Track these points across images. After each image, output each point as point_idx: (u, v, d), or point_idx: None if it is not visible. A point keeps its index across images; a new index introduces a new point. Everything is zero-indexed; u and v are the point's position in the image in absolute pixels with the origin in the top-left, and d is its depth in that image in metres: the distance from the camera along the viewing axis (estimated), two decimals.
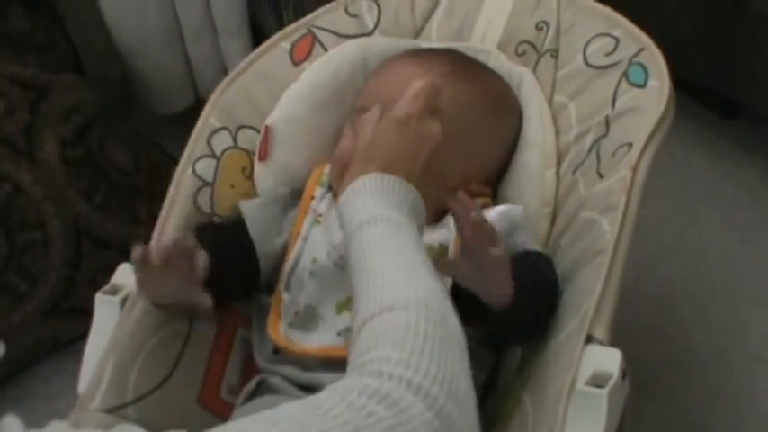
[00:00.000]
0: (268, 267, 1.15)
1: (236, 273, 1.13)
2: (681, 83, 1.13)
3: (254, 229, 1.15)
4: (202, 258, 1.04)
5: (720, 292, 1.52)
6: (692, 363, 1.44)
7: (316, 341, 1.10)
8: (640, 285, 1.51)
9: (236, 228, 1.16)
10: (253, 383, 1.12)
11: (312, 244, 1.12)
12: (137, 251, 1.00)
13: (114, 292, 1.13)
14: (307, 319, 1.11)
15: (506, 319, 1.01)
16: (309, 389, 1.07)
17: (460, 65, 1.17)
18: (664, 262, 1.56)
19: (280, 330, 1.11)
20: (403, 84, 1.09)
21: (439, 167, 0.99)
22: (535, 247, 1.09)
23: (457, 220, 0.97)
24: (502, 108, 1.18)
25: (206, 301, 1.04)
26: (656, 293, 1.52)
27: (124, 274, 1.14)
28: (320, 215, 1.14)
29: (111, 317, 1.11)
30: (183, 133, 1.21)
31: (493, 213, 1.08)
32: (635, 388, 1.03)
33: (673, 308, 1.51)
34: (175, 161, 1.20)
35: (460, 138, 1.10)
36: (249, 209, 1.17)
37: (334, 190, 1.15)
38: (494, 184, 1.19)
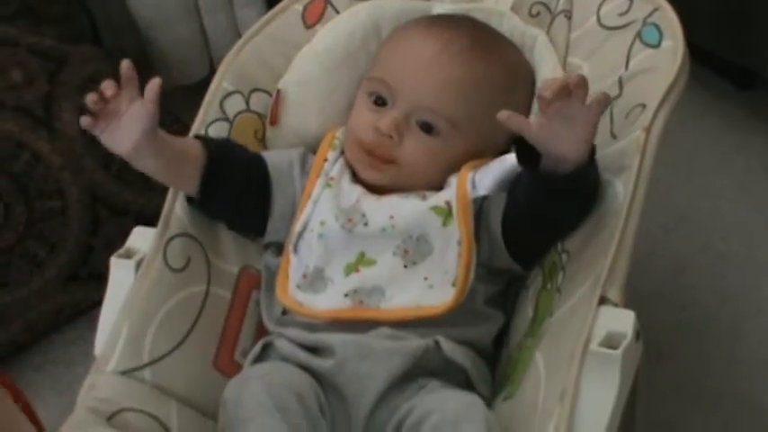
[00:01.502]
0: (280, 206, 1.16)
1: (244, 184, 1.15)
2: (695, 51, 1.13)
3: (271, 164, 1.17)
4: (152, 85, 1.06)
5: (734, 261, 1.52)
6: (706, 330, 1.45)
7: (324, 303, 1.10)
8: (653, 255, 1.51)
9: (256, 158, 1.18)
10: (258, 347, 1.13)
11: (322, 207, 1.13)
12: (91, 96, 1.04)
13: (129, 255, 1.14)
14: (315, 280, 1.11)
15: (567, 181, 1.01)
16: (315, 350, 1.09)
17: (476, 37, 1.16)
18: (677, 231, 1.56)
19: (288, 292, 1.12)
20: (419, 58, 1.13)
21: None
22: None
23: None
24: (516, 78, 1.18)
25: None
26: (669, 263, 1.52)
27: (139, 238, 1.15)
28: (332, 178, 1.15)
29: (126, 280, 1.12)
30: (200, 104, 1.22)
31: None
32: (648, 355, 1.03)
33: (686, 277, 1.51)
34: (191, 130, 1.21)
35: (476, 111, 1.12)
36: (269, 153, 1.20)
37: (347, 159, 1.17)
38: (507, 151, 1.20)
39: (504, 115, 1.00)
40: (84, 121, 1.05)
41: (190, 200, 1.15)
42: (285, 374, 1.05)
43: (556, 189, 1.03)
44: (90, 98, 1.04)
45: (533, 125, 1.00)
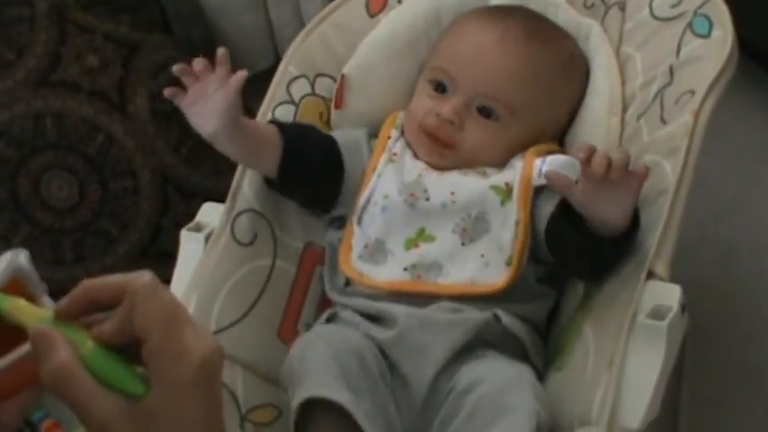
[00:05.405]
0: (350, 181, 1.19)
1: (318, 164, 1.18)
2: (746, 47, 1.12)
3: (342, 143, 1.20)
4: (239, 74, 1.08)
5: None
6: (752, 316, 1.45)
7: (384, 275, 1.14)
8: (703, 243, 1.52)
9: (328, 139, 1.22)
10: (324, 317, 1.16)
11: (385, 181, 1.16)
12: (178, 66, 1.07)
13: (198, 229, 1.18)
14: (376, 252, 1.15)
15: (608, 247, 1.04)
16: (378, 319, 1.12)
17: (533, 28, 1.19)
18: (726, 221, 1.56)
19: (350, 262, 1.16)
20: (478, 47, 1.16)
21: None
22: None
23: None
24: (571, 67, 1.21)
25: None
26: (717, 251, 1.53)
27: (208, 213, 1.20)
28: (395, 154, 1.18)
29: (196, 253, 1.16)
30: (264, 92, 1.25)
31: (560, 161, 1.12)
32: (695, 336, 1.05)
33: (734, 265, 1.51)
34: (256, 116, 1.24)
35: (534, 99, 1.16)
36: (337, 133, 1.24)
37: (406, 139, 1.20)
38: (561, 136, 1.23)
39: (552, 175, 1.04)
40: (168, 90, 1.08)
41: (269, 182, 1.19)
42: (348, 337, 1.08)
43: (591, 248, 1.05)
44: (177, 68, 1.07)
45: (578, 189, 1.02)
